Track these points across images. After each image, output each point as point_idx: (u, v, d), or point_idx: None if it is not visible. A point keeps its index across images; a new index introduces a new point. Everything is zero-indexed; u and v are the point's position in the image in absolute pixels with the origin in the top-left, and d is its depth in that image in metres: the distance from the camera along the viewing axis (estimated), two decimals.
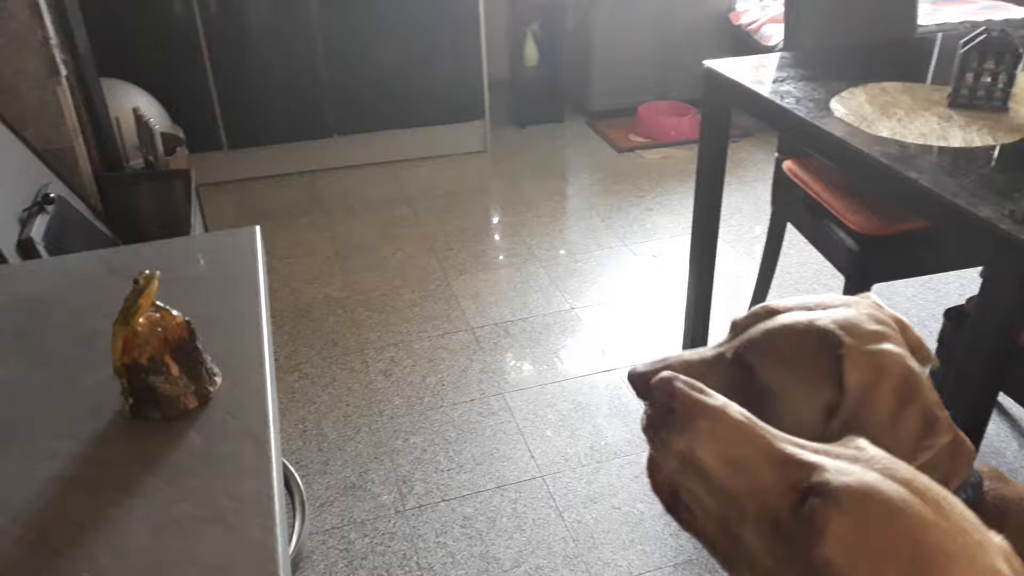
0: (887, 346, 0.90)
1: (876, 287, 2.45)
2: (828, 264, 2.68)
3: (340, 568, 1.75)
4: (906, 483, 0.59)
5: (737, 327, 1.00)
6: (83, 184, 2.19)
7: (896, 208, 1.96)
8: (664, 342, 2.43)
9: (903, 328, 1.01)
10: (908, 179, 1.47)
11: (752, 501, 0.59)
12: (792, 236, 2.46)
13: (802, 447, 0.61)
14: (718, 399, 0.62)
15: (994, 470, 0.99)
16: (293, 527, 1.08)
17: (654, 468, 0.65)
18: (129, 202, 2.11)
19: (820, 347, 0.92)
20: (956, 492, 0.94)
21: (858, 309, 0.97)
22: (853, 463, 0.60)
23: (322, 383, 2.30)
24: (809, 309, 0.97)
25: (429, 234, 3.06)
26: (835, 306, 0.97)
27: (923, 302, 2.56)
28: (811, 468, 0.59)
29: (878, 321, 0.95)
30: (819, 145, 1.71)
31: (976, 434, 1.55)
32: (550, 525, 1.83)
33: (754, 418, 0.62)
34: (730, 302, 2.60)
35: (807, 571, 0.56)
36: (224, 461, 0.74)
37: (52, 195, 1.74)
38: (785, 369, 0.93)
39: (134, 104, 2.48)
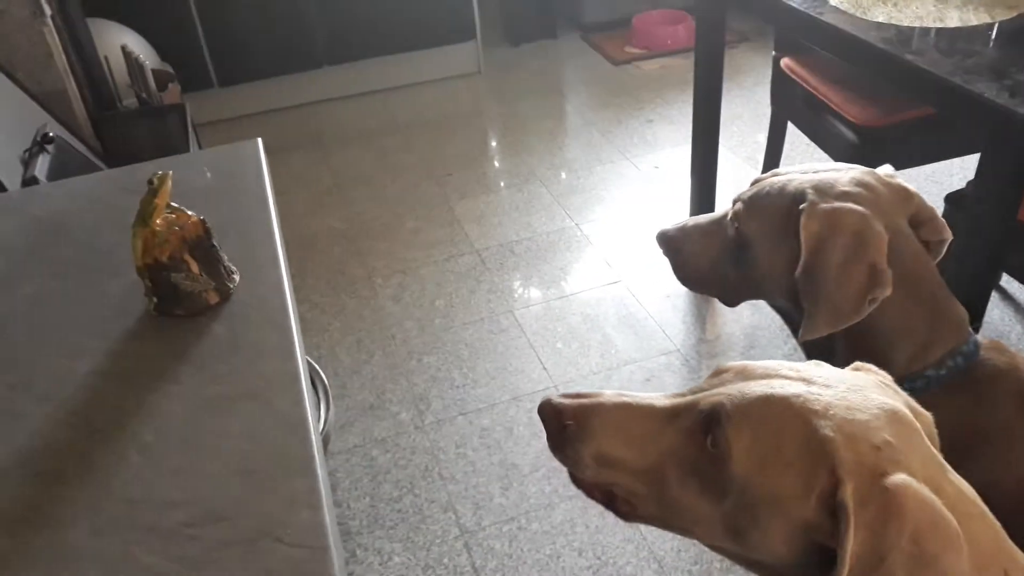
0: (847, 204, 0.94)
1: None
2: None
3: (365, 483, 1.81)
4: (767, 375, 0.64)
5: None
6: (79, 125, 2.19)
7: (895, 98, 1.95)
8: None
9: (906, 198, 1.03)
10: (905, 62, 1.46)
11: (667, 464, 0.63)
12: (793, 138, 2.46)
13: (680, 396, 0.66)
14: (596, 396, 0.67)
15: (995, 342, 1.02)
16: (320, 413, 1.13)
17: (578, 479, 0.68)
18: (126, 140, 2.11)
19: (790, 204, 0.98)
20: (944, 359, 0.97)
21: (848, 174, 0.99)
22: (730, 384, 0.64)
23: (332, 311, 2.33)
24: (805, 173, 1.02)
25: (427, 160, 3.05)
26: (830, 171, 1.01)
27: (927, 194, 2.55)
28: (693, 407, 0.64)
29: (860, 184, 0.98)
30: (817, 36, 1.70)
31: (976, 312, 1.58)
32: None
33: (629, 394, 0.68)
34: None
35: (736, 501, 0.60)
36: (249, 348, 0.78)
37: (51, 134, 1.74)
38: (759, 223, 1.01)
39: (121, 43, 2.45)
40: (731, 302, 1.14)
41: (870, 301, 0.93)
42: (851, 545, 0.54)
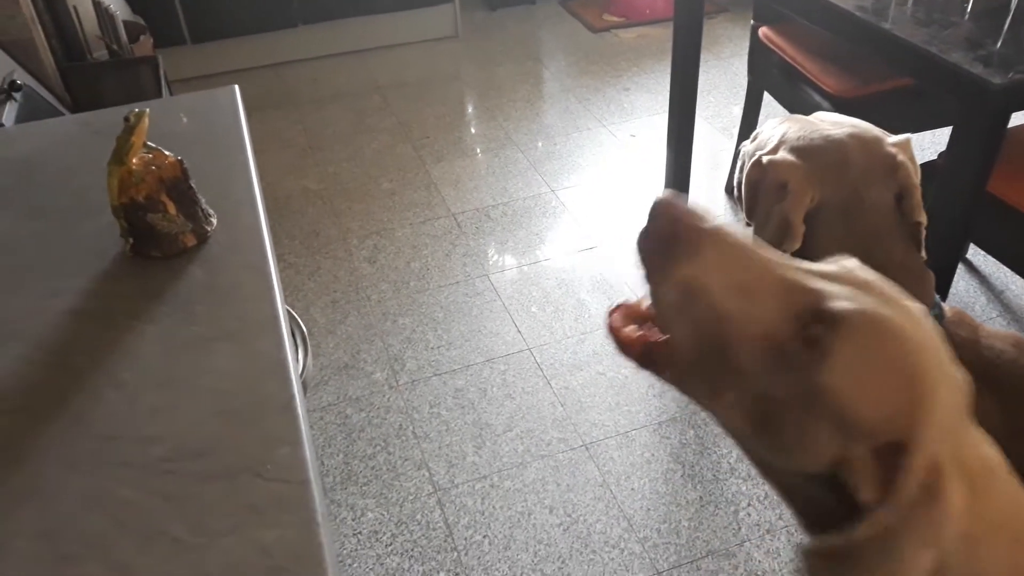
0: (785, 157, 1.00)
1: None
2: None
3: (339, 441, 1.81)
4: (899, 306, 0.59)
5: None
6: (47, 75, 2.13)
7: (871, 68, 1.97)
8: (644, 219, 2.46)
9: (890, 169, 1.01)
10: (882, 31, 1.47)
11: (755, 326, 0.58)
12: (769, 108, 2.47)
13: (806, 272, 0.61)
14: (721, 224, 0.60)
15: (959, 313, 1.04)
16: (299, 358, 1.13)
17: (616, 330, 0.63)
18: (96, 92, 2.06)
19: None
20: None
21: (828, 130, 1.01)
22: (852, 287, 0.60)
23: (307, 272, 2.32)
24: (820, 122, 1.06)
25: (404, 123, 3.02)
26: (828, 123, 1.04)
27: None
28: (815, 295, 0.58)
29: (831, 141, 1.00)
30: (795, 4, 1.70)
31: (944, 281, 1.61)
32: (539, 392, 1.90)
33: (758, 243, 0.61)
34: (709, 178, 2.63)
35: (805, 395, 0.56)
36: (227, 290, 0.77)
37: (19, 82, 1.70)
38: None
39: None
40: None
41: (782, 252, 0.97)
42: (890, 516, 0.54)
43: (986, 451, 0.61)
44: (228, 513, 0.57)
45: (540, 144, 2.85)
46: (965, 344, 0.98)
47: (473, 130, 2.99)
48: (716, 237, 0.58)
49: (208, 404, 0.66)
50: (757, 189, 1.02)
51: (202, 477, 0.60)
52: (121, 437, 0.64)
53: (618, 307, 0.66)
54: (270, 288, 0.76)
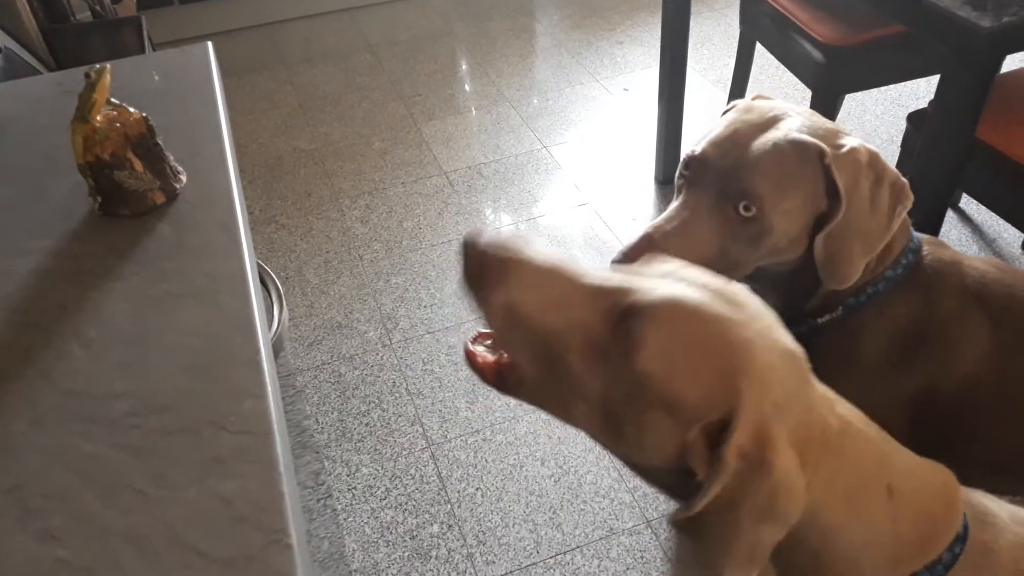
0: (849, 141, 0.93)
1: (845, 101, 2.45)
2: (800, 85, 2.66)
3: (333, 399, 1.83)
4: (705, 287, 0.63)
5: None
6: (30, 39, 2.10)
7: (862, 16, 1.93)
8: (637, 174, 2.44)
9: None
10: None
11: (574, 334, 0.62)
12: (762, 60, 2.44)
13: (609, 276, 0.65)
14: (525, 251, 0.64)
15: (934, 238, 1.03)
16: (274, 314, 1.13)
17: (472, 356, 0.69)
18: (80, 55, 2.04)
19: (814, 160, 0.91)
20: (898, 257, 0.99)
21: (792, 118, 0.97)
22: (658, 279, 0.64)
23: (299, 232, 2.32)
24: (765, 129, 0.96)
25: (395, 81, 2.99)
26: (777, 113, 0.97)
27: (891, 117, 2.57)
28: (620, 292, 0.63)
29: (814, 120, 0.97)
30: None
31: (933, 230, 1.60)
32: None
33: (563, 260, 0.65)
34: (703, 131, 2.60)
35: (631, 386, 0.60)
36: (196, 247, 0.77)
37: (0, 46, 1.68)
38: (781, 191, 0.92)
39: None
40: None
41: (897, 215, 0.94)
42: (716, 488, 0.57)
43: (841, 410, 0.64)
44: (192, 465, 0.58)
45: (533, 100, 2.82)
46: (952, 264, 0.98)
47: (465, 87, 2.95)
48: (519, 263, 0.63)
49: (174, 360, 0.66)
50: (856, 185, 0.91)
51: (166, 431, 0.61)
52: (86, 392, 0.64)
53: (477, 336, 0.71)
54: (239, 244, 0.76)
